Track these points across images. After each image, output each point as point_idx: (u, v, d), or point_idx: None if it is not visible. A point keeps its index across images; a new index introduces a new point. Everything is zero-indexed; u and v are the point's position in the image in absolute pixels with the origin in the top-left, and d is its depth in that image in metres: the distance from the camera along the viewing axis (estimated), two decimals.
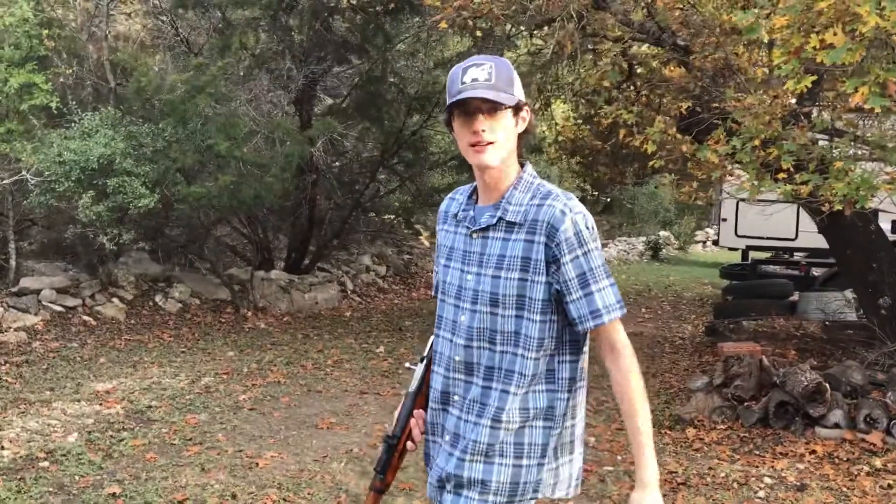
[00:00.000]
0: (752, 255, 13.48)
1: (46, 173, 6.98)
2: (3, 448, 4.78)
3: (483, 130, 1.83)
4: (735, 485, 4.60)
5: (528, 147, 9.22)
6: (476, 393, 1.91)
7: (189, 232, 9.33)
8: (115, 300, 8.41)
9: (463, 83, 1.84)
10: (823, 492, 4.50)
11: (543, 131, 13.52)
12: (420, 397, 2.05)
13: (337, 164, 10.64)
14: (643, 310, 11.82)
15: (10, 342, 7.07)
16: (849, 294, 8.71)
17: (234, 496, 4.21)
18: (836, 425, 5.36)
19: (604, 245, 17.40)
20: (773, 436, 5.42)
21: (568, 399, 1.94)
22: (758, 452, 5.16)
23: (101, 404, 5.73)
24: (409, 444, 2.02)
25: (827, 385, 5.40)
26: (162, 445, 4.97)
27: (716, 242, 21.39)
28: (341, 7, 9.14)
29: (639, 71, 8.02)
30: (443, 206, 2.11)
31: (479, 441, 1.89)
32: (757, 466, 4.90)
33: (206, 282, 9.55)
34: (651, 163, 5.98)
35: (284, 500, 4.19)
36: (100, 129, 7.34)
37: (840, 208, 4.47)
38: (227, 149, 7.06)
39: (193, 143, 7.20)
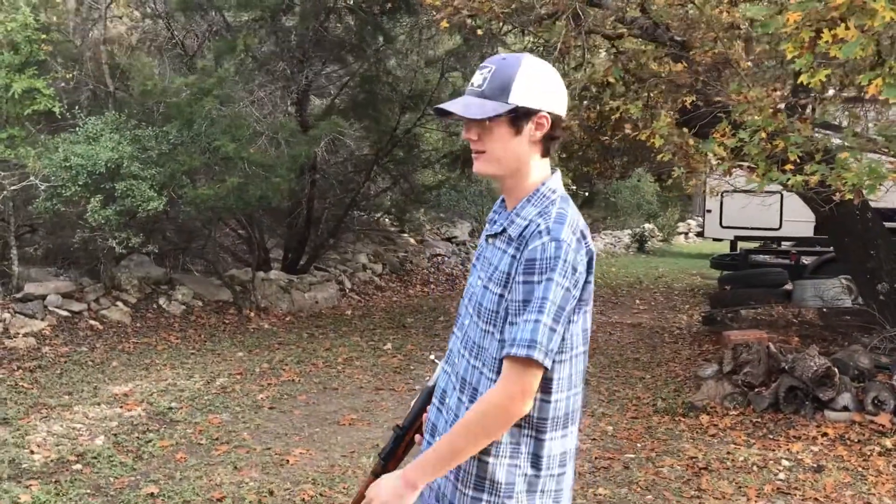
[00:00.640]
0: (741, 244, 13.73)
1: (53, 178, 6.97)
2: (32, 452, 4.81)
3: (473, 140, 1.77)
4: (755, 468, 4.75)
5: None
6: (453, 400, 1.85)
7: (188, 234, 9.35)
8: (120, 304, 8.41)
9: (470, 84, 1.78)
10: (840, 472, 4.66)
11: None
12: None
13: (333, 163, 10.69)
14: (637, 301, 11.99)
15: (19, 348, 7.06)
16: (842, 281, 8.92)
17: (270, 493, 4.27)
18: (845, 408, 5.52)
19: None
20: (784, 420, 5.58)
21: (536, 440, 1.76)
22: (772, 436, 5.31)
23: (121, 407, 5.76)
24: (416, 436, 1.98)
25: (836, 369, 5.56)
26: (190, 445, 5.02)
27: (700, 234, 21.75)
28: (338, 7, 9.19)
29: (630, 66, 8.15)
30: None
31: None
32: (773, 450, 5.05)
33: (208, 283, 9.57)
34: (660, 156, 6.11)
35: (321, 495, 4.26)
36: (103, 133, 7.34)
37: (851, 197, 4.61)
38: (234, 150, 7.10)
39: (199, 146, 7.23)
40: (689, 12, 6.39)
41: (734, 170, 5.88)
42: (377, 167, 11.77)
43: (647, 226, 22.49)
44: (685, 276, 15.53)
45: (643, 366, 7.50)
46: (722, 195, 12.44)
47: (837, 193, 4.71)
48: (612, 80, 6.54)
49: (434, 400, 1.94)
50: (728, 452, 5.00)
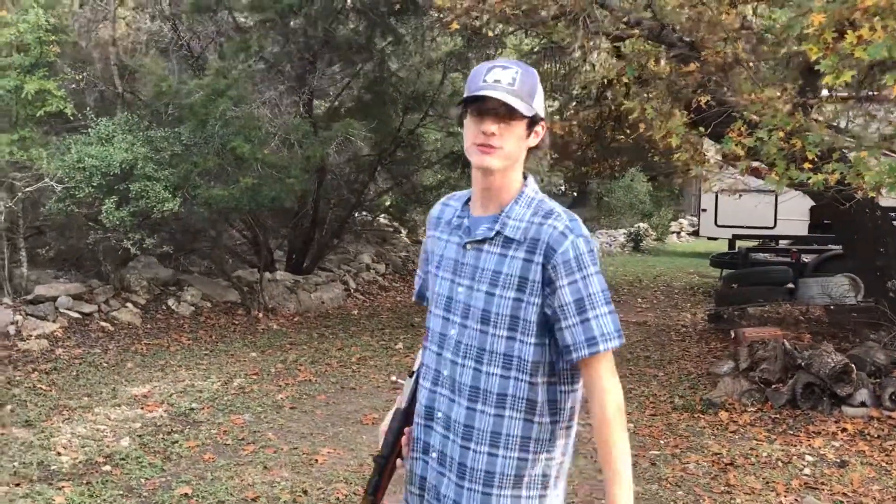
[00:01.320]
0: (740, 243, 13.83)
1: (66, 179, 6.95)
2: (59, 454, 4.80)
3: (493, 133, 1.76)
4: (779, 464, 4.81)
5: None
6: (459, 413, 1.84)
7: (193, 235, 9.34)
8: (130, 305, 8.39)
9: (485, 81, 1.77)
10: (864, 467, 4.73)
11: None
12: (410, 414, 1.98)
13: (337, 164, 10.69)
14: (639, 300, 12.06)
15: (33, 350, 7.03)
16: (846, 278, 9.02)
17: (304, 492, 4.30)
18: (863, 404, 5.60)
19: None
20: (802, 416, 5.65)
21: (568, 430, 1.89)
22: (792, 432, 5.38)
23: (142, 408, 5.76)
24: (398, 461, 1.97)
25: (853, 366, 5.64)
26: (216, 446, 5.03)
27: (694, 233, 21.87)
28: (347, 9, 9.21)
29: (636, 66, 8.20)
30: (434, 211, 2.02)
31: (476, 468, 1.82)
32: (795, 445, 5.12)
33: (215, 284, 9.56)
34: (676, 156, 6.17)
35: (354, 493, 4.29)
36: (116, 134, 7.33)
37: (873, 195, 4.68)
38: (249, 151, 7.11)
39: (212, 147, 7.23)
40: (703, 14, 6.43)
41: (728, 168, 5.94)
42: (380, 167, 11.80)
43: (641, 225, 22.61)
44: (683, 274, 15.62)
45: (655, 363, 7.56)
46: (717, 194, 12.54)
47: (859, 192, 4.78)
48: (626, 80, 6.58)
49: (417, 418, 1.94)
50: (751, 448, 5.06)
